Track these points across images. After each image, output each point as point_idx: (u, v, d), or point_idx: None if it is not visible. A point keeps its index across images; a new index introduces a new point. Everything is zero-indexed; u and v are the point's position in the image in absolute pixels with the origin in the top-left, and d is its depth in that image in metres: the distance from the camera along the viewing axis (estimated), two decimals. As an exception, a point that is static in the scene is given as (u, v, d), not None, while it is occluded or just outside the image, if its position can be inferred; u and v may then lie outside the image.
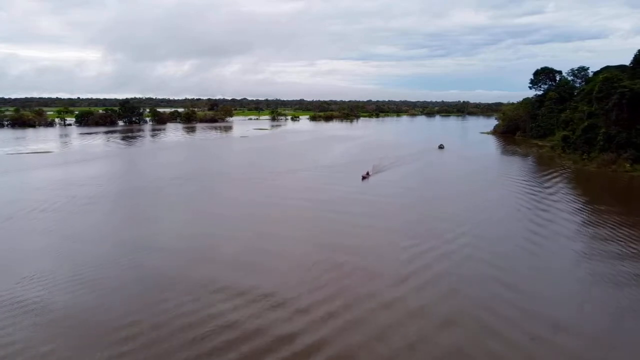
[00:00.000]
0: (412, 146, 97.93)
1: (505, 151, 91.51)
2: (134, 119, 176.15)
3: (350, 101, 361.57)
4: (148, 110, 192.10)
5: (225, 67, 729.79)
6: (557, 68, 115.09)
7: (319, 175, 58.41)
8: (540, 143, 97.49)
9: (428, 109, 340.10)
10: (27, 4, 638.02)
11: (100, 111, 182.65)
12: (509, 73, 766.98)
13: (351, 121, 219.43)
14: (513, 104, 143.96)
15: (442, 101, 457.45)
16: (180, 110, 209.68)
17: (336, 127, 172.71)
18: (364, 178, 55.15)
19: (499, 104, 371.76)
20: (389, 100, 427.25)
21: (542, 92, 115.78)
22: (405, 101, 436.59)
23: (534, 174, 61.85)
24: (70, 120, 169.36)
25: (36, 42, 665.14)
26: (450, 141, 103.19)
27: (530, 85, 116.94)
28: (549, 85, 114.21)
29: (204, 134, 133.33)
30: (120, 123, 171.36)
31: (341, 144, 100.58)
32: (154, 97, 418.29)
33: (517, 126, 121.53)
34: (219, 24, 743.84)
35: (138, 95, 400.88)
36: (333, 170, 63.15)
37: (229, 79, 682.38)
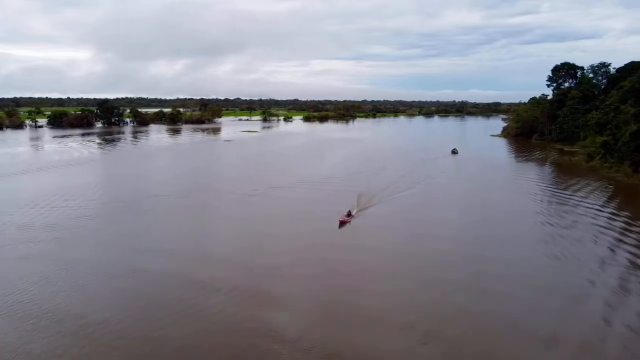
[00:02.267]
0: (418, 152, 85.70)
1: (528, 159, 78.06)
2: (113, 120, 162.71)
3: (345, 101, 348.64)
4: (128, 110, 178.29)
5: (219, 67, 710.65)
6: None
7: (299, 206, 45.86)
8: (565, 148, 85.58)
9: (426, 109, 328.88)
10: (19, 4, 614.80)
11: (78, 112, 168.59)
12: (503, 73, 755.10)
13: (347, 122, 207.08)
14: (524, 104, 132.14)
15: (437, 101, 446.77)
16: (166, 110, 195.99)
17: (331, 129, 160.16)
18: (342, 223, 36.06)
19: (498, 104, 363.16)
20: (384, 100, 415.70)
21: (553, 90, 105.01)
22: (401, 101, 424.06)
23: (575, 192, 49.88)
24: (43, 121, 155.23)
25: (28, 42, 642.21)
26: (460, 145, 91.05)
27: (549, 82, 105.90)
28: (570, 83, 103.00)
29: (186, 137, 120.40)
30: (99, 124, 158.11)
31: (335, 151, 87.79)
32: (146, 97, 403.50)
33: (532, 128, 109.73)
34: (212, 22, 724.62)
35: (130, 95, 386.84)
36: (320, 192, 50.56)
37: (222, 79, 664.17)
